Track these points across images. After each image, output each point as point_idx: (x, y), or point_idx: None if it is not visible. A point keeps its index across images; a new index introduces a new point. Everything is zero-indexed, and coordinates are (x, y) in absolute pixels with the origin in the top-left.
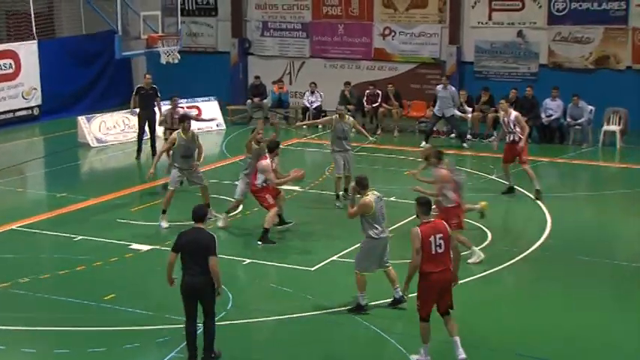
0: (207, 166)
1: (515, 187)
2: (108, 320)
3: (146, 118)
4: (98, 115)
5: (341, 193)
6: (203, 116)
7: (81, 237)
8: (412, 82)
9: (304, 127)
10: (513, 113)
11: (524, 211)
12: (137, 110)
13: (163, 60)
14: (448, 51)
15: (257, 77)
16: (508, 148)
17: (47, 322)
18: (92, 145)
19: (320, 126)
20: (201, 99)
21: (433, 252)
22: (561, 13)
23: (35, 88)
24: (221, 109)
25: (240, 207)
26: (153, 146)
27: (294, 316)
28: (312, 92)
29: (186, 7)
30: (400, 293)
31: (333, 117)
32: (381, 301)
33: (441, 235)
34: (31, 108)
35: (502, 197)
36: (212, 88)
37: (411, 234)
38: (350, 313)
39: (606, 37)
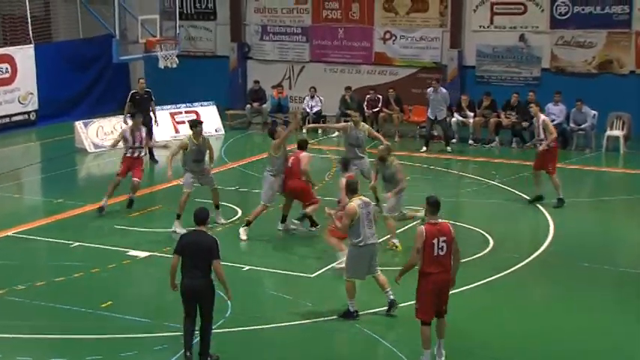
0: None
1: (542, 195)
2: (105, 328)
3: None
4: (95, 120)
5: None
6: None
7: (78, 243)
8: (413, 86)
9: (319, 131)
10: (542, 117)
11: (526, 217)
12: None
13: (162, 64)
14: (449, 55)
15: (256, 82)
16: (540, 154)
17: (44, 329)
18: (89, 150)
19: (320, 131)
20: (200, 104)
21: (435, 254)
22: (564, 17)
23: (32, 93)
24: (220, 113)
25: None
26: (150, 151)
27: (294, 323)
28: (312, 97)
29: (185, 11)
30: (392, 297)
31: (349, 124)
32: (379, 309)
33: (445, 238)
34: (28, 113)
35: (504, 204)
36: (211, 92)
37: (416, 232)
38: (339, 319)
39: (609, 42)
